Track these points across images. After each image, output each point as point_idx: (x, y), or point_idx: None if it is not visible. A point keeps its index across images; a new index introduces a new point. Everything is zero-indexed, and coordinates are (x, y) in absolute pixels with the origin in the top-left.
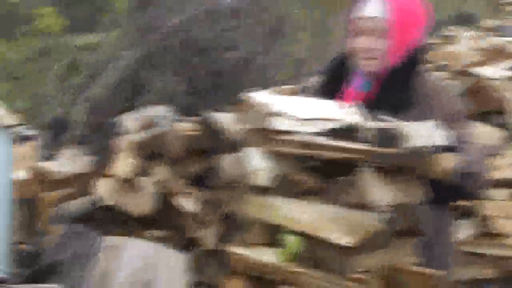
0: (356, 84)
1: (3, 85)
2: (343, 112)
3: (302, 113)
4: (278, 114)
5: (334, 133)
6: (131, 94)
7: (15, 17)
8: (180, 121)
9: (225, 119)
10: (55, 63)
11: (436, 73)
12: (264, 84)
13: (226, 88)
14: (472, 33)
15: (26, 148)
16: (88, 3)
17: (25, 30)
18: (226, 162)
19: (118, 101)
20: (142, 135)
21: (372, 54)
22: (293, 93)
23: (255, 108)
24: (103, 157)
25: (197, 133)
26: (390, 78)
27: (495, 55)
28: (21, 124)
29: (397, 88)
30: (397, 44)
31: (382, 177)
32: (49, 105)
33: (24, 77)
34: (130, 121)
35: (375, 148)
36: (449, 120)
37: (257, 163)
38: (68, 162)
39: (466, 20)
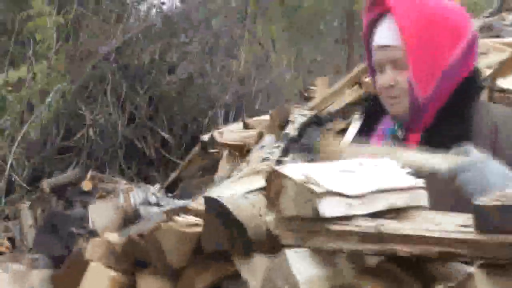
0: (382, 131)
1: None
2: (402, 174)
3: (353, 186)
4: (323, 193)
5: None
6: (69, 131)
7: None
8: (178, 212)
9: (244, 206)
10: None
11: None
12: (209, 105)
13: (171, 113)
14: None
15: None
16: (7, 36)
17: None
18: (254, 271)
19: (55, 141)
20: (123, 235)
21: (394, 92)
22: (267, 125)
23: (289, 187)
24: (64, 270)
25: (204, 228)
26: (436, 120)
27: None
28: None
29: (445, 132)
30: (424, 74)
31: (499, 279)
32: None
33: None
34: (102, 211)
35: (488, 237)
36: None
37: (303, 270)
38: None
39: None
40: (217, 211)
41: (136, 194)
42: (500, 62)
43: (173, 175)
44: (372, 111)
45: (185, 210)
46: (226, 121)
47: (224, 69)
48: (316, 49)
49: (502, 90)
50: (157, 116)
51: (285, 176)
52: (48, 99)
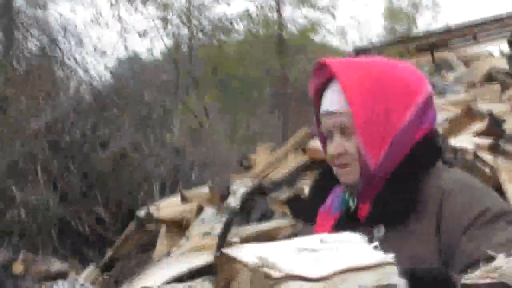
0: (332, 202)
1: None
2: (369, 249)
3: (315, 267)
4: (282, 279)
5: None
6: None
7: None
8: None
9: None
10: None
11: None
12: (144, 178)
13: (105, 189)
14: None
15: None
16: None
17: None
18: None
19: None
20: None
21: (343, 160)
22: (206, 198)
23: (242, 273)
24: None
25: None
26: (385, 190)
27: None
28: None
29: (391, 201)
30: (373, 140)
31: None
32: None
33: None
34: None
35: None
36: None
37: None
38: None
39: None
40: None
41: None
42: (449, 120)
43: (108, 254)
44: (322, 182)
45: None
46: (162, 193)
47: (158, 142)
48: (250, 117)
49: (455, 150)
50: (91, 193)
51: (237, 260)
52: None
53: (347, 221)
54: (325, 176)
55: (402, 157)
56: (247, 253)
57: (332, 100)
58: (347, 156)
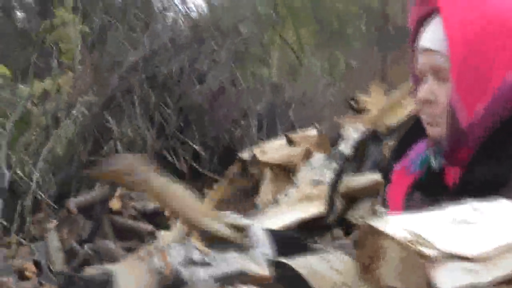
0: (410, 160)
1: None
2: None
3: (473, 243)
4: (438, 257)
5: None
6: (97, 145)
7: None
8: (234, 280)
9: (325, 273)
10: (3, 119)
11: None
12: (241, 115)
13: (201, 124)
14: None
15: None
16: (31, 48)
17: None
18: None
19: (82, 155)
20: None
21: (432, 109)
22: (315, 142)
23: (389, 249)
24: None
25: None
26: (481, 154)
27: None
28: None
29: (484, 172)
30: (470, 92)
31: None
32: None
33: None
34: (131, 275)
35: None
36: None
37: None
38: None
39: None
40: (288, 280)
41: (175, 251)
42: None
43: (209, 198)
44: (410, 134)
45: (243, 277)
46: (260, 131)
47: (255, 77)
48: (348, 53)
49: None
50: (187, 128)
51: (384, 234)
52: (74, 112)
53: (428, 184)
54: (415, 127)
55: (502, 119)
56: (395, 226)
57: (431, 37)
58: (437, 105)
